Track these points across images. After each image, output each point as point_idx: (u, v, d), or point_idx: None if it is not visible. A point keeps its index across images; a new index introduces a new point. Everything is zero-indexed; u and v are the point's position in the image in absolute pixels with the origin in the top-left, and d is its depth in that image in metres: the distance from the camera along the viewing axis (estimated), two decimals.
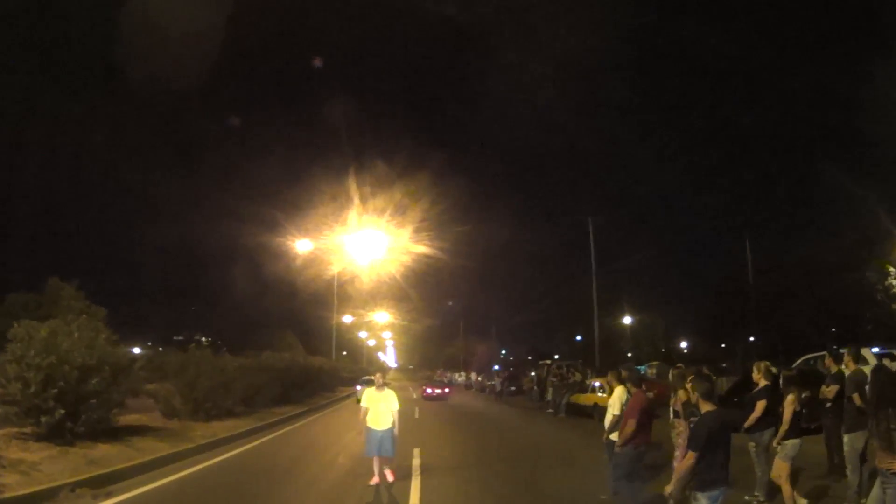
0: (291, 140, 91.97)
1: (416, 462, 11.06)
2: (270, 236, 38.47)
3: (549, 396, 26.07)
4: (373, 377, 10.43)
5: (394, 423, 9.46)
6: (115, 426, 12.52)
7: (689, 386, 7.15)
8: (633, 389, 7.46)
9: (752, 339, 45.54)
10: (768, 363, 8.47)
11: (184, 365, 16.60)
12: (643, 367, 36.66)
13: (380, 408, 9.46)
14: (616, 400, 7.78)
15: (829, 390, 8.52)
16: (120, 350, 12.81)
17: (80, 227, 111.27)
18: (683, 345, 63.41)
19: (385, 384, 9.77)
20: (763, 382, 8.06)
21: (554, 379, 27.34)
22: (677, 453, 7.64)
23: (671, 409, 8.61)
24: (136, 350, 51.33)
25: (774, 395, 7.82)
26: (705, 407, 5.30)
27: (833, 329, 38.02)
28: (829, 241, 34.59)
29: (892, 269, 29.25)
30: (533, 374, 32.94)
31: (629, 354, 58.17)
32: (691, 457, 4.88)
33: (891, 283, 29.51)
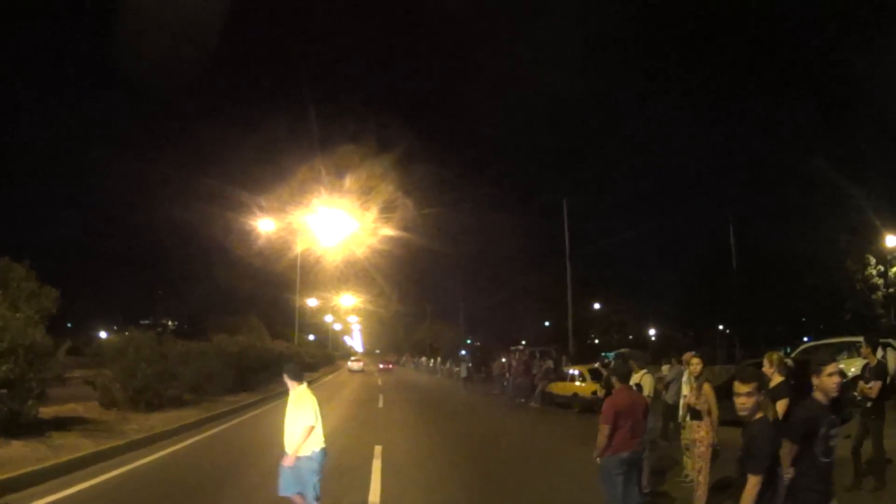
0: (259, 121, 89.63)
1: (375, 464, 9.75)
2: (236, 217, 37.09)
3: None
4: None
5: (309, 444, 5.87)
6: (40, 419, 11.03)
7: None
8: (618, 385, 5.97)
9: (720, 327, 45.36)
10: (781, 354, 7.20)
11: (122, 350, 15.00)
12: (610, 355, 35.87)
13: (291, 419, 5.97)
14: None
15: (872, 388, 7.22)
16: (40, 332, 11.11)
17: (46, 209, 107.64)
18: (651, 332, 63.19)
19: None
20: (777, 378, 6.84)
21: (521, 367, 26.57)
22: (699, 465, 6.25)
23: (686, 406, 7.21)
24: (103, 334, 49.55)
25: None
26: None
27: (803, 319, 37.92)
28: (809, 230, 34.27)
29: (872, 259, 29.05)
30: (503, 360, 31.96)
31: (596, 341, 57.85)
32: (755, 484, 3.65)
33: (870, 274, 29.27)
